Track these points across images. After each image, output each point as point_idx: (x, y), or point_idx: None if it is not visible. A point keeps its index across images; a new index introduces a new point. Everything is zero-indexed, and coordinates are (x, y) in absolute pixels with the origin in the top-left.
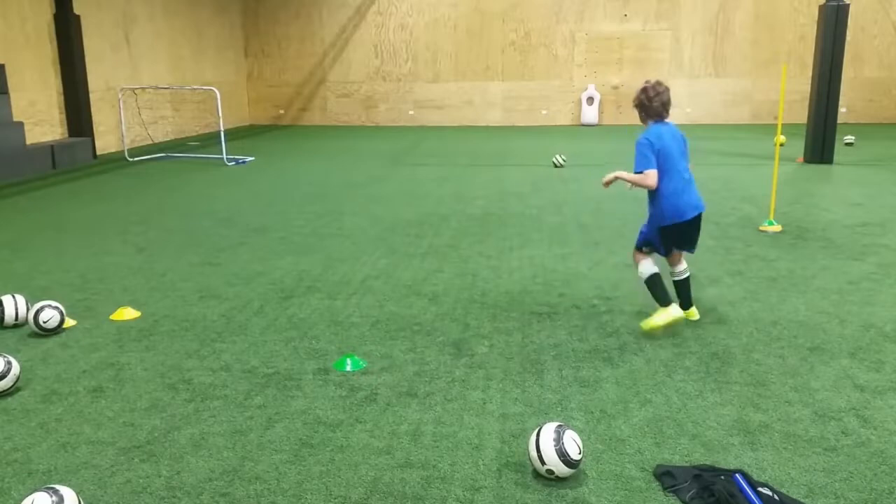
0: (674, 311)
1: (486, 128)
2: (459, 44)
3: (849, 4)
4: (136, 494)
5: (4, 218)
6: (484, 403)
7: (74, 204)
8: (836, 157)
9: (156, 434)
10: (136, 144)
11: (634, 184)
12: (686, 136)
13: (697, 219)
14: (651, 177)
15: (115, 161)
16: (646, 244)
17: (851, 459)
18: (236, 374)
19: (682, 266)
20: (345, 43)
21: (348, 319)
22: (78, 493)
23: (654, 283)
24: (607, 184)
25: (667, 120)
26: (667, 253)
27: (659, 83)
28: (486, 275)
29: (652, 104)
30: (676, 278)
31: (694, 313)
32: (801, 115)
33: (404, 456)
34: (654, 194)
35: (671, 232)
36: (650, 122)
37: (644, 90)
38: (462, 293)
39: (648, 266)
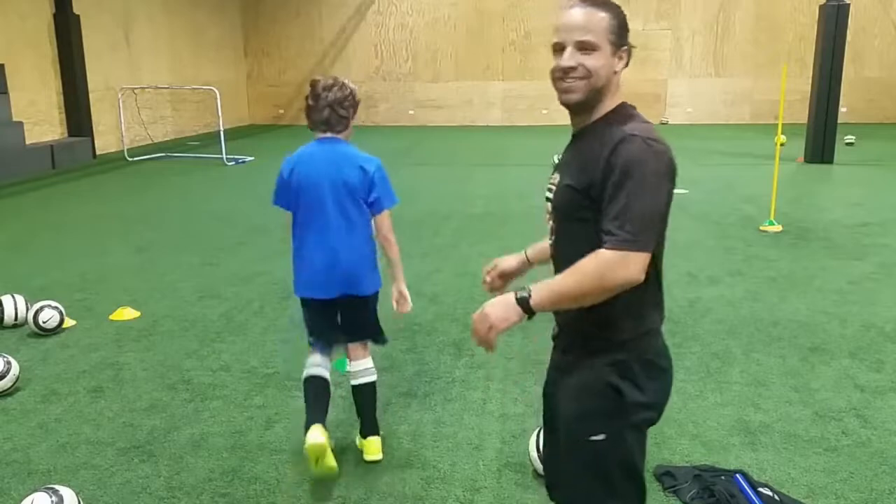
0: (311, 437)
1: (487, 127)
2: (459, 43)
3: (849, 4)
4: (136, 494)
5: (4, 218)
6: (484, 403)
7: (74, 204)
8: (836, 157)
9: (156, 434)
10: (135, 144)
11: None
12: (379, 167)
13: (347, 301)
14: (286, 220)
15: (115, 161)
16: (308, 331)
17: (852, 460)
18: (236, 374)
19: (361, 363)
20: (345, 43)
21: None
22: (78, 493)
23: (306, 389)
24: None
25: (338, 136)
26: (333, 343)
27: (334, 77)
28: None
29: (318, 105)
30: (353, 381)
31: (372, 448)
32: (802, 115)
33: (404, 456)
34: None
35: (310, 308)
36: (315, 136)
37: (312, 85)
38: (462, 293)
39: (310, 361)
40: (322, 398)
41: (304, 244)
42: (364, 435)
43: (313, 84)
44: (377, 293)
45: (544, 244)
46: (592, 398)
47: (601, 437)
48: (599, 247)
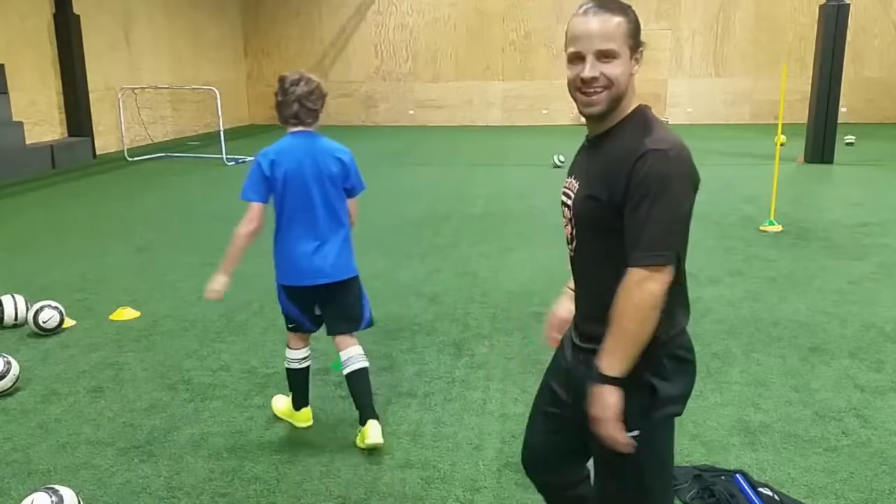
0: (306, 419)
1: (487, 127)
2: (459, 44)
3: (849, 4)
4: (136, 494)
5: (4, 218)
6: (484, 403)
7: (74, 204)
8: (836, 157)
9: (156, 434)
10: (135, 144)
11: (240, 252)
12: (352, 158)
13: (336, 288)
14: (252, 213)
15: (115, 161)
16: (286, 318)
17: (852, 459)
18: (236, 374)
19: (352, 350)
20: (345, 43)
21: None
22: (78, 493)
23: (289, 378)
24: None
25: (312, 129)
26: (315, 327)
27: (299, 72)
28: (486, 275)
29: (287, 100)
30: (347, 369)
31: (373, 432)
32: (802, 115)
33: (404, 456)
34: (274, 235)
35: (298, 296)
36: (288, 131)
37: (280, 80)
38: (462, 293)
39: (295, 355)
40: (308, 385)
41: (291, 235)
42: (363, 421)
43: (281, 80)
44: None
45: None
46: (626, 396)
47: (635, 433)
48: (622, 255)
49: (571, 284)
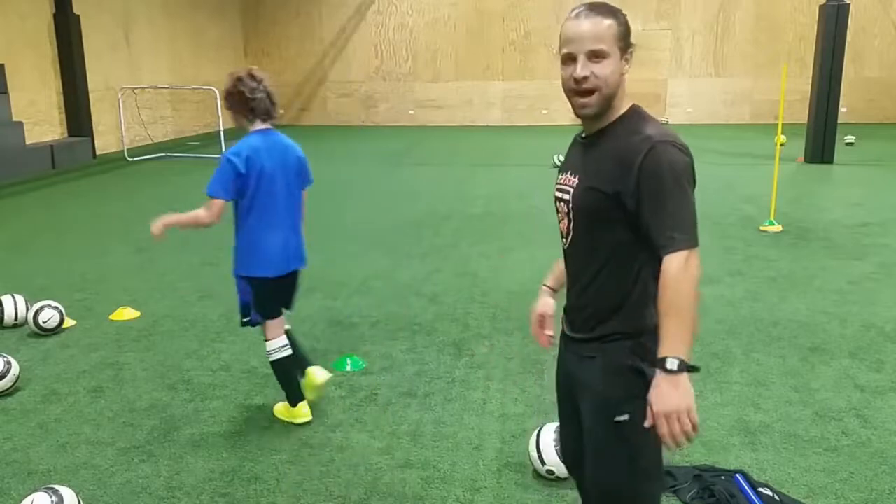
0: (307, 415)
1: (487, 127)
2: (459, 43)
3: (849, 4)
4: (136, 494)
5: (4, 218)
6: (484, 403)
7: (74, 204)
8: (836, 157)
9: (156, 434)
10: (135, 144)
11: (187, 225)
12: (303, 153)
13: (296, 274)
14: (214, 209)
15: (115, 161)
16: (242, 311)
17: (852, 459)
18: (236, 374)
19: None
20: (345, 43)
21: (348, 319)
22: (78, 493)
23: (275, 371)
24: (159, 234)
25: (272, 125)
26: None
27: (252, 70)
28: (486, 275)
29: (256, 97)
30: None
31: (314, 375)
32: (802, 115)
33: (404, 456)
34: (238, 231)
35: (262, 287)
36: (252, 129)
37: (239, 79)
38: (462, 293)
39: (279, 343)
40: (295, 375)
41: (261, 228)
42: (303, 371)
43: (240, 79)
44: None
45: (558, 267)
46: (616, 381)
47: (625, 417)
48: (622, 244)
49: (548, 281)
